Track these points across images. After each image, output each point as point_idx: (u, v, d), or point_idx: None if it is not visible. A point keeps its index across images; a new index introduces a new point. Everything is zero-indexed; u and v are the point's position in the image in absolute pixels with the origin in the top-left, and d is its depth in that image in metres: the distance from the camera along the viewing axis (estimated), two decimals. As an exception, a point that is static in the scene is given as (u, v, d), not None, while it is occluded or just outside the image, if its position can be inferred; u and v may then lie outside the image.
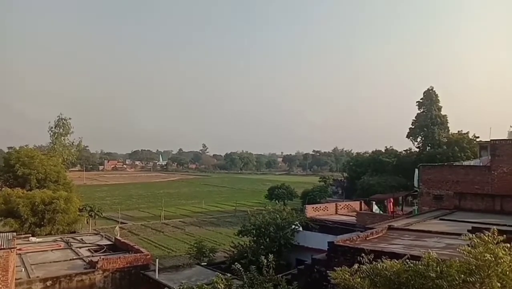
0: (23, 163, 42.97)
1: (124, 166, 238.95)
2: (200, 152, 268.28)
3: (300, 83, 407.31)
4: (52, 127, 62.56)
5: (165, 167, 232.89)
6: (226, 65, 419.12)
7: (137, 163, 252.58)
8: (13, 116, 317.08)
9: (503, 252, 6.96)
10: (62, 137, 62.91)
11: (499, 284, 6.90)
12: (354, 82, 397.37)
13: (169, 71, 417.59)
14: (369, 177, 61.74)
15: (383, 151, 71.28)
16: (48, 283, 18.99)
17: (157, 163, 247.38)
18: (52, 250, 25.07)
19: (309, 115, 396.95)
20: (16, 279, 17.88)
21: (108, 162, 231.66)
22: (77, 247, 25.69)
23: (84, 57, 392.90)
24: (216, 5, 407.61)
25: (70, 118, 63.62)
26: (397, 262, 8.08)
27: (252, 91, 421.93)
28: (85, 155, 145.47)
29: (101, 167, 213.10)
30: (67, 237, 28.89)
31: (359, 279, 8.10)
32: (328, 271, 9.23)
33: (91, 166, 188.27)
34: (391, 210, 31.18)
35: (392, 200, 32.09)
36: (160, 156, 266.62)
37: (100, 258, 21.28)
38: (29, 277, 19.15)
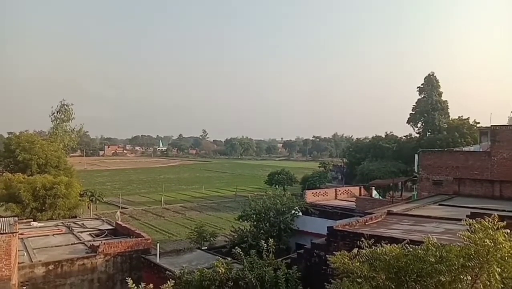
0: (23, 148, 42.99)
1: (124, 151, 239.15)
2: (200, 137, 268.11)
3: (302, 70, 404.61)
4: (54, 113, 62.54)
5: (165, 153, 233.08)
6: (227, 50, 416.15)
7: (137, 148, 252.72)
8: (14, 101, 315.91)
9: (503, 237, 6.98)
10: (64, 123, 62.92)
11: (498, 270, 6.94)
12: (355, 68, 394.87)
13: (171, 57, 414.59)
14: (369, 162, 61.84)
15: (383, 136, 71.23)
16: (50, 267, 19.17)
17: (157, 148, 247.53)
18: (54, 234, 25.21)
19: (310, 100, 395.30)
20: (18, 263, 18.05)
21: (108, 147, 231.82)
22: (78, 232, 25.82)
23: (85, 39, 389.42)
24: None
25: (72, 104, 63.61)
26: (396, 246, 8.12)
27: (253, 77, 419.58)
28: (85, 140, 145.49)
29: (101, 152, 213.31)
30: (68, 222, 29.03)
31: (358, 263, 8.15)
32: (327, 256, 9.31)
33: (91, 151, 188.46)
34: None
35: None
36: (160, 141, 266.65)
37: (101, 242, 21.42)
38: (32, 261, 19.31)
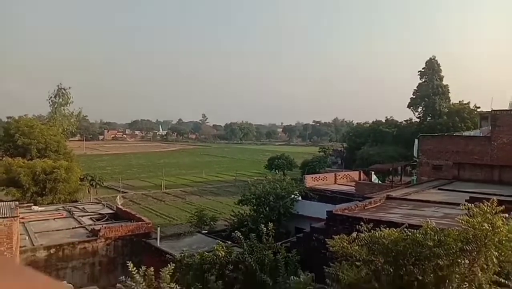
0: (23, 133, 42.90)
1: (124, 135, 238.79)
2: (200, 122, 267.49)
3: (301, 53, 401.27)
4: (51, 97, 62.21)
5: (165, 137, 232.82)
6: (227, 37, 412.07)
7: (137, 132, 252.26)
8: (12, 84, 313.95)
9: (501, 221, 7.01)
10: (62, 107, 62.63)
11: (496, 253, 6.99)
12: (357, 53, 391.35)
13: (171, 40, 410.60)
14: (369, 147, 61.82)
15: (384, 121, 71.04)
16: (52, 250, 19.34)
17: (157, 133, 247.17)
18: (55, 218, 25.35)
19: (310, 85, 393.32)
20: (20, 247, 18.20)
21: (108, 131, 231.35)
22: (79, 216, 25.96)
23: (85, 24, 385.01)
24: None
25: (69, 88, 63.20)
26: (395, 230, 8.16)
27: (253, 61, 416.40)
28: (84, 124, 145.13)
29: (101, 137, 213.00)
30: (69, 206, 29.15)
31: (357, 247, 8.21)
32: (326, 239, 9.36)
33: (91, 136, 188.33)
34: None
35: None
36: (160, 125, 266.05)
37: (102, 226, 21.58)
38: (33, 245, 19.48)
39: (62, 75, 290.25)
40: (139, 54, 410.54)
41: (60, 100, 62.19)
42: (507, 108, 26.88)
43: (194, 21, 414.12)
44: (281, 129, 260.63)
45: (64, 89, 62.49)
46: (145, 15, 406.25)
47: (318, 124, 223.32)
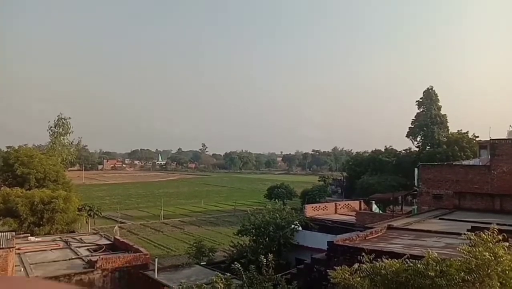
0: (22, 162, 42.89)
1: (123, 165, 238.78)
2: (200, 151, 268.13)
3: (300, 84, 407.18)
4: (51, 127, 62.59)
5: (164, 166, 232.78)
6: (226, 65, 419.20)
7: (136, 162, 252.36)
8: (12, 114, 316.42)
9: (503, 251, 6.94)
10: (62, 137, 62.89)
11: (499, 283, 6.89)
12: (354, 82, 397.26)
13: (169, 72, 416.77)
14: (369, 176, 61.75)
15: (383, 150, 71.31)
16: (47, 282, 18.96)
17: (156, 162, 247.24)
18: (51, 249, 25.02)
19: (309, 115, 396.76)
20: (15, 279, 17.86)
21: (107, 161, 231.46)
22: (76, 247, 25.63)
23: (84, 54, 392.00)
24: (224, 6, 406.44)
25: (70, 118, 63.70)
26: (396, 261, 8.06)
27: (252, 91, 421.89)
28: (84, 154, 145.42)
29: (100, 166, 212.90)
30: (66, 237, 28.83)
31: (359, 278, 8.09)
32: (327, 271, 9.22)
33: (90, 165, 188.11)
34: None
35: None
36: (159, 155, 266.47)
37: (99, 257, 21.24)
38: (28, 277, 19.10)
39: (62, 105, 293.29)
40: (138, 85, 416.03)
41: (60, 130, 62.54)
42: (505, 138, 27.03)
43: (194, 53, 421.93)
44: (281, 158, 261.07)
45: (64, 119, 63.01)
46: (144, 43, 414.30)
47: (317, 153, 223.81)
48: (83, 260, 22.32)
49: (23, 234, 29.70)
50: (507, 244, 7.21)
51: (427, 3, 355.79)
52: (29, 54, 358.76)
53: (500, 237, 7.21)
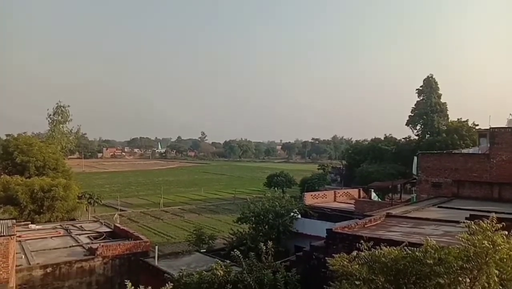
0: (21, 150, 42.84)
1: (122, 153, 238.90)
2: (199, 139, 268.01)
3: (301, 72, 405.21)
4: (50, 115, 62.36)
5: (164, 155, 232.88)
6: (226, 54, 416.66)
7: (135, 150, 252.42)
8: (11, 102, 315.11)
9: (502, 239, 6.97)
10: (61, 125, 62.69)
11: (497, 271, 6.93)
12: (355, 71, 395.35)
13: (170, 60, 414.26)
14: (368, 164, 61.83)
15: (382, 138, 71.26)
16: (48, 269, 19.09)
17: (156, 151, 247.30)
18: (52, 237, 25.13)
19: (309, 103, 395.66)
20: (16, 266, 17.97)
21: (106, 149, 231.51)
22: (76, 234, 25.73)
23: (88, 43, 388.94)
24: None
25: (68, 106, 63.40)
26: (395, 249, 8.10)
27: (252, 78, 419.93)
28: (83, 142, 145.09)
29: (99, 155, 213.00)
30: (66, 224, 28.94)
31: (357, 265, 8.13)
32: (326, 258, 9.26)
33: (89, 154, 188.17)
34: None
35: None
36: (159, 143, 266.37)
37: (99, 245, 21.36)
38: (29, 264, 19.24)
39: (62, 95, 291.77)
40: (138, 73, 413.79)
41: (59, 118, 62.28)
42: (505, 126, 26.97)
43: (193, 41, 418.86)
44: (280, 146, 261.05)
45: (63, 107, 62.70)
46: (144, 32, 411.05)
47: (317, 141, 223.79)
48: (84, 248, 22.45)
49: (23, 221, 29.81)
50: (506, 232, 7.23)
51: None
52: (30, 44, 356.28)
53: (500, 226, 7.23)
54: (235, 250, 14.79)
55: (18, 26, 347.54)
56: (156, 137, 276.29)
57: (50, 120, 62.36)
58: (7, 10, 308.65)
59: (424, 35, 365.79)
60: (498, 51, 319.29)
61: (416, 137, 68.07)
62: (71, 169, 49.01)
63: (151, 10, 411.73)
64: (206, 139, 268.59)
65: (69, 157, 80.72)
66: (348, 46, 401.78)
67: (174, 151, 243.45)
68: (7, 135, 51.04)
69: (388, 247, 8.28)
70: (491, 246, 6.86)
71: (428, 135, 65.30)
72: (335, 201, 34.20)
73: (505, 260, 7.00)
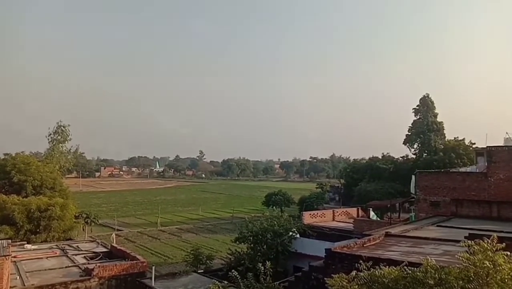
0: (19, 170, 42.70)
1: (120, 172, 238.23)
2: (197, 158, 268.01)
3: (300, 90, 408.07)
4: (50, 134, 62.48)
5: (161, 174, 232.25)
6: (226, 71, 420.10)
7: (133, 169, 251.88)
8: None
9: (503, 259, 6.93)
10: (60, 144, 62.76)
11: (498, 292, 6.87)
12: (352, 91, 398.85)
13: (168, 79, 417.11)
14: (366, 183, 61.80)
15: (380, 157, 71.44)
16: (43, 290, 18.80)
17: (154, 170, 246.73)
18: (48, 257, 24.83)
19: (307, 121, 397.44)
20: (10, 287, 17.67)
21: (104, 168, 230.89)
22: (72, 254, 25.44)
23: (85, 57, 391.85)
24: (221, 6, 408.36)
25: (69, 125, 63.63)
26: (394, 269, 8.04)
27: (251, 98, 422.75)
28: (81, 161, 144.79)
29: (97, 174, 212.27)
30: (62, 244, 28.63)
31: (357, 286, 8.06)
32: (325, 278, 9.18)
33: (87, 173, 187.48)
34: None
35: None
36: (157, 162, 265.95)
37: (96, 265, 21.10)
38: (24, 285, 18.92)
39: (61, 113, 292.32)
40: (137, 91, 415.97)
41: (59, 137, 62.40)
42: (502, 145, 27.12)
43: (188, 54, 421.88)
44: (278, 165, 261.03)
45: (63, 126, 62.89)
46: (138, 49, 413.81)
47: (315, 160, 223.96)
48: (80, 268, 22.16)
49: (19, 241, 29.50)
50: (507, 252, 7.20)
51: (425, 9, 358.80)
52: (29, 56, 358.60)
53: (500, 245, 7.21)
54: (233, 270, 14.66)
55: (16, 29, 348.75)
56: (154, 156, 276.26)
57: (50, 139, 62.49)
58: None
59: (421, 54, 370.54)
60: (493, 69, 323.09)
61: (414, 156, 68.28)
62: (68, 188, 48.76)
63: (151, 18, 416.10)
64: (204, 158, 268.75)
65: (67, 176, 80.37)
66: (348, 66, 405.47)
67: (172, 169, 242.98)
68: (5, 154, 50.93)
69: (387, 266, 8.23)
70: (492, 266, 6.82)
71: (426, 154, 65.47)
72: (333, 220, 34.03)
73: (506, 280, 6.95)
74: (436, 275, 7.34)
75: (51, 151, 61.70)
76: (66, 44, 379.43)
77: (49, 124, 63.45)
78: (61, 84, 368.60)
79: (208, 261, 27.91)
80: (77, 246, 28.13)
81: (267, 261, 14.73)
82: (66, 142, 63.21)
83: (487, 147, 26.03)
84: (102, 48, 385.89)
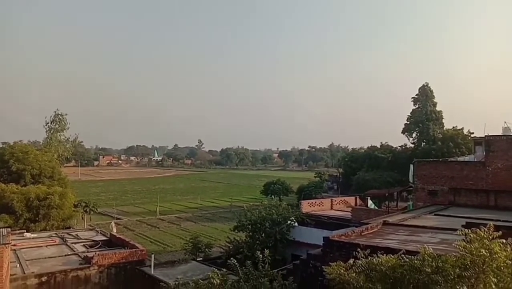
0: (17, 158, 42.63)
1: (119, 161, 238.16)
2: (196, 147, 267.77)
3: (297, 80, 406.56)
4: (48, 123, 62.27)
5: (160, 163, 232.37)
6: (224, 62, 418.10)
7: (132, 158, 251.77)
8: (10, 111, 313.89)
9: (499, 247, 6.98)
10: (58, 133, 62.62)
11: (494, 280, 6.93)
12: (350, 78, 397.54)
13: (167, 70, 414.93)
14: (365, 172, 61.94)
15: (379, 146, 71.48)
16: (43, 278, 18.92)
17: (152, 159, 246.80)
18: (47, 245, 24.93)
19: (306, 110, 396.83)
20: (11, 275, 17.79)
21: (103, 157, 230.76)
22: (72, 243, 25.56)
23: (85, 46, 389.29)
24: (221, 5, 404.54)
25: (66, 114, 63.42)
26: (392, 257, 8.09)
27: (249, 86, 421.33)
28: (80, 150, 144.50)
29: (96, 163, 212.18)
30: (62, 233, 28.74)
31: (354, 274, 8.12)
32: (323, 266, 9.25)
33: (86, 162, 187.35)
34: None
35: None
36: (156, 151, 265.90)
37: (95, 253, 21.21)
38: (24, 273, 19.05)
39: (59, 102, 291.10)
40: (137, 80, 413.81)
41: (57, 126, 62.24)
42: (500, 134, 27.13)
43: (188, 48, 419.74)
44: (277, 154, 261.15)
45: (61, 115, 62.69)
46: (141, 39, 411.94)
47: (313, 149, 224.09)
48: (79, 256, 22.29)
49: (18, 230, 29.62)
50: (503, 240, 7.25)
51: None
52: (28, 51, 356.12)
53: (497, 234, 7.25)
54: (231, 258, 14.70)
55: (18, 27, 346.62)
56: (152, 146, 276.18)
57: (47, 128, 62.31)
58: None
59: (421, 42, 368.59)
60: (493, 59, 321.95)
61: (412, 146, 68.31)
62: (67, 177, 48.77)
63: (149, 16, 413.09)
64: (203, 147, 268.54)
65: (65, 165, 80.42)
66: (347, 56, 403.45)
67: (171, 158, 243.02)
68: (3, 143, 50.83)
69: (385, 255, 8.28)
70: (488, 254, 6.88)
71: (424, 143, 65.52)
72: (332, 209, 34.17)
73: (502, 268, 7.01)
74: (433, 263, 7.40)
75: (49, 139, 61.59)
76: (66, 44, 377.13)
77: (48, 115, 62.87)
78: (61, 79, 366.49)
79: (207, 249, 28.10)
80: (77, 235, 28.25)
81: (265, 249, 14.78)
82: (64, 131, 63.15)
83: (485, 136, 26.04)
84: (102, 47, 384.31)
